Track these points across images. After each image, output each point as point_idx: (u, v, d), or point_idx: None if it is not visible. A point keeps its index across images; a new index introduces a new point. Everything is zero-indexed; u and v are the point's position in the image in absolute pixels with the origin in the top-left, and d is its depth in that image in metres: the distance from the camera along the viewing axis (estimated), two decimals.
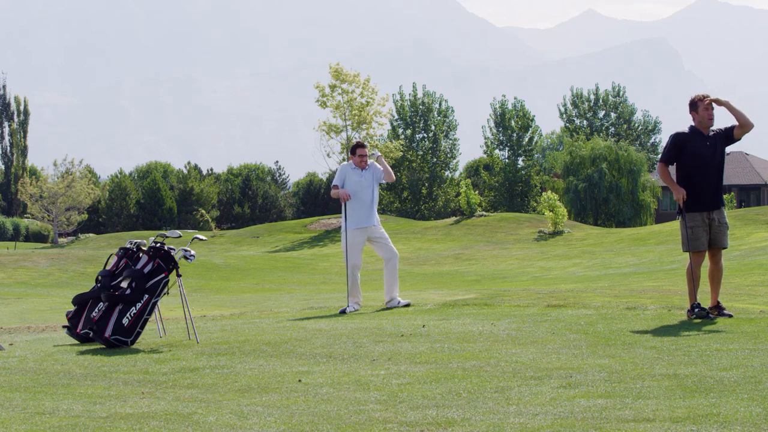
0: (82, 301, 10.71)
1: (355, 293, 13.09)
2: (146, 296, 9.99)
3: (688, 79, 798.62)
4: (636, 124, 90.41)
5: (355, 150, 13.34)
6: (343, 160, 55.70)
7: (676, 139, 10.39)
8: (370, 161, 13.43)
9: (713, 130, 10.42)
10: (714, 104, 10.36)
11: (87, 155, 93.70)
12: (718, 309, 10.21)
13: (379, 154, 13.48)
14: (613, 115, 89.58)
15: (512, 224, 46.57)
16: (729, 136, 10.41)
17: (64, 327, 11.09)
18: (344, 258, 13.27)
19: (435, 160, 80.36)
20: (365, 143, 13.67)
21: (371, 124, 54.66)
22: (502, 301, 12.94)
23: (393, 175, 13.52)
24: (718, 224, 10.25)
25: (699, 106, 10.36)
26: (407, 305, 13.10)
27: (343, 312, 12.72)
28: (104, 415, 6.21)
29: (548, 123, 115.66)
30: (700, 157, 10.23)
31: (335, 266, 33.81)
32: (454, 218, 53.56)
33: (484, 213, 52.04)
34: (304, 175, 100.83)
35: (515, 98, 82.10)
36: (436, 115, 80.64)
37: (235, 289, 25.70)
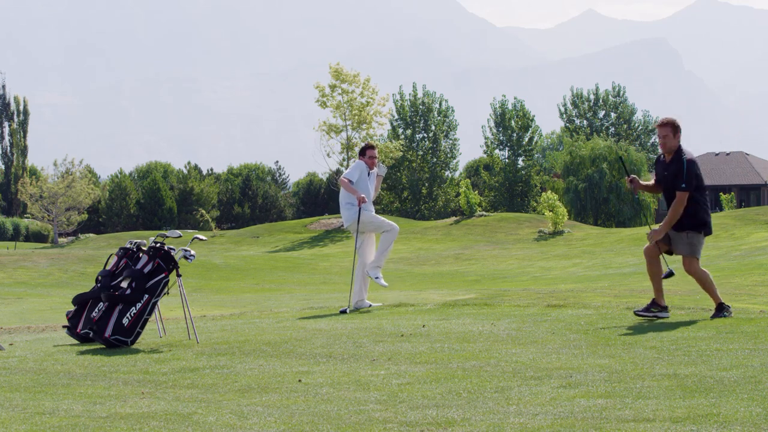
0: (82, 301, 10.71)
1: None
2: (146, 296, 9.98)
3: (688, 79, 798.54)
4: (636, 124, 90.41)
5: (365, 151, 13.27)
6: (344, 160, 55.74)
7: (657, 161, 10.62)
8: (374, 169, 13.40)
9: (674, 154, 10.29)
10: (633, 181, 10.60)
11: (87, 155, 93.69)
12: (720, 309, 10.26)
13: (385, 171, 13.45)
14: (613, 115, 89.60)
15: (512, 224, 46.57)
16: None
17: (64, 327, 11.09)
18: (357, 254, 13.16)
19: (435, 160, 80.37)
20: (375, 145, 13.55)
21: (371, 124, 54.70)
22: (502, 301, 12.94)
23: (376, 195, 13.53)
24: (673, 234, 10.44)
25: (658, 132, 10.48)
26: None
27: (343, 312, 12.68)
28: (104, 415, 6.21)
29: (548, 123, 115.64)
30: (660, 181, 10.44)
31: (335, 266, 33.81)
32: (454, 218, 53.56)
33: (484, 213, 52.05)
34: (304, 175, 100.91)
35: (515, 98, 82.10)
36: (436, 115, 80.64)
37: (235, 289, 25.69)
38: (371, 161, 13.20)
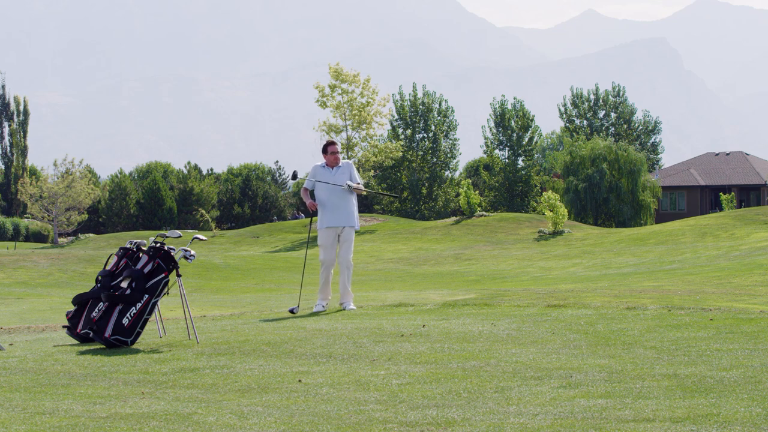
0: (82, 301, 10.70)
1: (325, 292, 13.10)
2: (146, 296, 9.98)
3: (688, 79, 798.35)
4: (636, 124, 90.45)
5: (326, 148, 13.20)
6: (343, 159, 55.82)
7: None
8: (344, 161, 13.28)
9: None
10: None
11: (87, 155, 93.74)
12: None
13: (356, 184, 13.03)
14: (613, 115, 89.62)
15: (512, 224, 46.55)
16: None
17: (64, 327, 11.09)
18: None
19: (435, 160, 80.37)
20: (336, 141, 13.54)
21: (371, 124, 54.72)
22: (502, 301, 12.93)
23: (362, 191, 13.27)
24: None
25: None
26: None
27: (291, 311, 12.73)
28: (104, 415, 6.21)
29: (548, 123, 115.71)
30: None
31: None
32: (454, 218, 53.55)
33: (484, 213, 52.03)
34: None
35: (515, 98, 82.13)
36: (436, 115, 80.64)
37: (235, 289, 25.68)
38: (332, 158, 13.06)
